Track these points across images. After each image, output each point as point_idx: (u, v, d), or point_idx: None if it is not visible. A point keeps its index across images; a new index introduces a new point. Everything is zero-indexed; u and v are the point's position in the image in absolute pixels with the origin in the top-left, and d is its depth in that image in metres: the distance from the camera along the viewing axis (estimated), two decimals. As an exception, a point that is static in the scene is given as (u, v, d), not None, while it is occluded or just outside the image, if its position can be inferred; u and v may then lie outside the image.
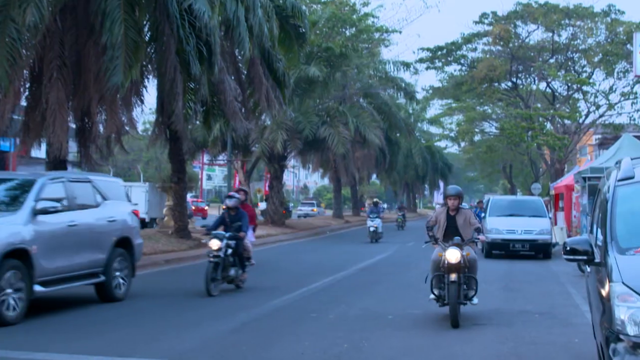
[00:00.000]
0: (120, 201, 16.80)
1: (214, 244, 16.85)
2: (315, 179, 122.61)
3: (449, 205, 13.71)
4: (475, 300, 13.48)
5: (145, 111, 54.51)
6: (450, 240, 13.29)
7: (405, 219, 56.50)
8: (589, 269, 8.77)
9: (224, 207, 18.60)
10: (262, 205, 60.95)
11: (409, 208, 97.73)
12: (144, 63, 23.95)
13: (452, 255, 12.89)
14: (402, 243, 37.06)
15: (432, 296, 13.42)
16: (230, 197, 18.12)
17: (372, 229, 38.30)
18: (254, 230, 20.02)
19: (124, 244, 16.32)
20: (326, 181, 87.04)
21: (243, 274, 17.87)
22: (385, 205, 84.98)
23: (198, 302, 15.92)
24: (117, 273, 15.84)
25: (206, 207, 68.48)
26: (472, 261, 13.29)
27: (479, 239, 13.44)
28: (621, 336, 5.98)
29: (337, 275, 21.43)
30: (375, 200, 45.64)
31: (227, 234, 17.14)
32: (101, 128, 23.48)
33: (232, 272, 17.38)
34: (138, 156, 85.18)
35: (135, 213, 17.80)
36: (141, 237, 17.85)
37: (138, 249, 17.04)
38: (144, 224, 36.63)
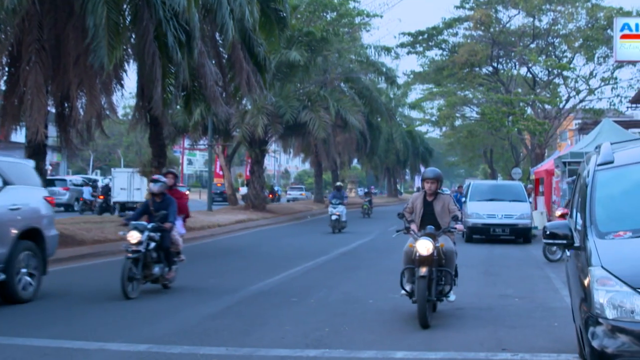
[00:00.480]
0: (30, 186, 14.53)
1: (133, 236, 14.38)
2: (296, 164, 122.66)
3: (425, 190, 12.35)
4: (451, 296, 12.12)
5: (126, 96, 54.37)
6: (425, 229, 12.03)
7: (372, 206, 50.96)
8: (568, 253, 8.80)
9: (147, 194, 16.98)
10: (243, 190, 60.95)
11: (390, 192, 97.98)
12: (125, 47, 23.82)
13: (423, 246, 11.49)
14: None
15: (402, 292, 12.05)
16: (155, 181, 15.36)
17: (334, 217, 33.49)
18: (184, 220, 17.13)
19: (32, 236, 13.95)
20: (307, 166, 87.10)
21: (170, 272, 15.14)
22: (374, 190, 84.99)
23: (178, 286, 15.88)
24: (23, 270, 13.44)
25: (187, 192, 67.92)
26: (447, 253, 11.86)
27: (455, 228, 12.05)
28: (600, 320, 6.01)
29: (318, 260, 21.45)
30: (338, 184, 38.54)
31: (150, 225, 14.64)
32: (81, 112, 23.36)
33: (156, 269, 14.73)
34: (118, 141, 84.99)
35: (49, 200, 15.26)
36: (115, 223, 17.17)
37: (51, 241, 14.69)
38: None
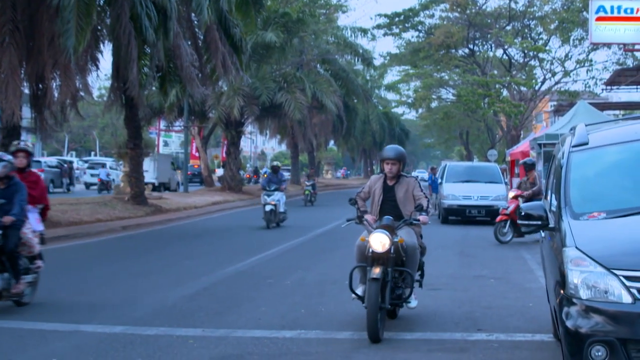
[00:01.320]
0: None
1: None
2: (272, 145, 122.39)
3: (385, 172, 10.40)
4: (412, 302, 10.23)
5: (101, 77, 54.05)
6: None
7: (315, 191, 42.74)
8: (543, 235, 8.85)
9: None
10: (220, 172, 60.79)
11: (366, 174, 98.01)
12: (99, 28, 23.69)
13: (377, 241, 9.56)
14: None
15: (353, 296, 10.13)
16: None
17: (268, 207, 25.12)
18: (42, 213, 12.82)
19: None
20: (284, 147, 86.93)
21: (18, 284, 11.12)
22: (347, 171, 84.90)
23: (153, 268, 15.86)
24: None
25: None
26: (409, 250, 9.92)
27: (418, 220, 9.99)
28: (574, 300, 6.04)
29: (294, 242, 21.46)
30: (275, 164, 27.95)
31: None
32: (56, 94, 23.21)
33: None
34: (94, 122, 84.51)
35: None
36: (97, 203, 17.29)
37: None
38: (154, 187, 43.12)
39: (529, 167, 21.85)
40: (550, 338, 9.41)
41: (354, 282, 10.06)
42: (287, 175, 31.32)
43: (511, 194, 21.90)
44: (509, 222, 21.28)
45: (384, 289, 9.46)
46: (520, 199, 21.06)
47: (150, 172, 45.80)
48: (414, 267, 10.07)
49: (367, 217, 10.27)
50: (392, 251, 9.59)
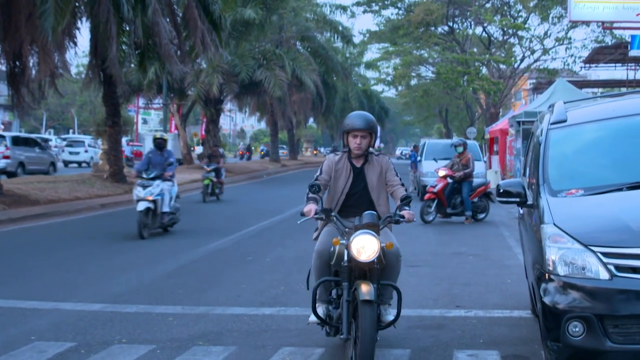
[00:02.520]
0: None
1: None
2: (252, 123, 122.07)
3: (351, 149, 7.75)
4: (390, 315, 7.49)
5: (79, 54, 53.65)
6: (353, 217, 7.42)
7: (222, 179, 29.00)
8: (521, 211, 8.89)
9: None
10: (199, 149, 60.63)
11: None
12: (77, 5, 23.49)
13: (364, 247, 6.92)
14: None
15: (312, 318, 7.56)
16: None
17: (142, 206, 17.07)
18: None
19: None
20: (263, 125, 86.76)
21: None
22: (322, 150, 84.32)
23: (132, 245, 15.84)
24: None
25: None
26: (392, 257, 7.39)
27: (403, 217, 7.34)
28: (552, 276, 6.08)
29: (274, 219, 21.47)
30: (159, 135, 19.40)
31: None
32: (34, 71, 23.05)
33: None
34: (72, 100, 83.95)
35: None
36: (75, 181, 17.26)
37: None
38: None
39: (460, 148, 21.49)
40: (528, 314, 9.48)
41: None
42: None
43: (441, 172, 21.20)
44: (435, 202, 20.83)
45: (376, 314, 6.98)
46: (449, 179, 20.72)
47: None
48: (396, 277, 7.60)
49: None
50: (375, 260, 6.99)
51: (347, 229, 7.21)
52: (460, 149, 21.40)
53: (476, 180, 21.61)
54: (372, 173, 7.78)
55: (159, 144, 18.40)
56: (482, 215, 21.45)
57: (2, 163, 36.04)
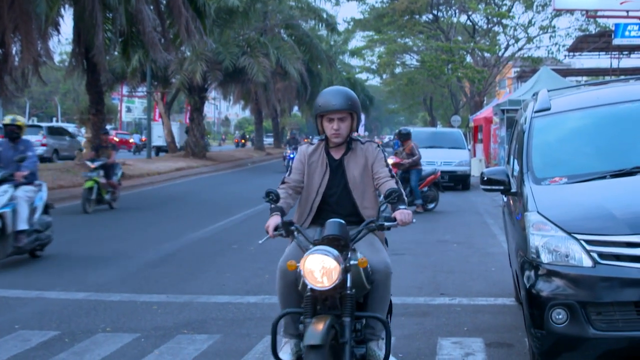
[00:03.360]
0: None
1: None
2: (236, 111, 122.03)
3: (328, 136, 6.07)
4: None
5: (62, 42, 53.40)
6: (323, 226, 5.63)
7: (115, 182, 21.48)
8: (505, 199, 8.92)
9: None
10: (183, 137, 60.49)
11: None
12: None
13: (316, 270, 5.27)
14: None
15: None
16: None
17: None
18: None
19: None
20: (247, 113, 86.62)
21: None
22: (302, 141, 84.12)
23: (117, 234, 15.81)
24: None
25: (131, 140, 66.19)
26: (378, 276, 5.76)
27: (392, 220, 5.65)
28: (535, 264, 6.10)
29: (259, 207, 21.43)
30: (11, 120, 12.92)
31: None
32: (17, 59, 22.94)
33: None
34: (55, 88, 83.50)
35: None
36: (59, 169, 17.13)
37: None
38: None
39: (404, 137, 21.10)
40: (512, 302, 9.51)
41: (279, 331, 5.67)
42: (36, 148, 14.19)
43: (389, 161, 21.17)
44: None
45: (337, 355, 5.27)
46: (400, 167, 20.31)
47: (176, 137, 53.91)
48: (386, 304, 5.93)
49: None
50: (347, 284, 5.33)
51: (305, 244, 5.62)
52: (404, 137, 21.05)
53: (425, 169, 21.43)
54: (354, 166, 6.02)
55: (11, 132, 12.79)
56: (432, 205, 21.01)
57: (40, 150, 38.19)
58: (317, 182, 6.09)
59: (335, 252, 5.24)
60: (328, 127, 5.97)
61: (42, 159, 35.31)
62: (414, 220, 5.65)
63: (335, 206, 6.07)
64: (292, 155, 29.87)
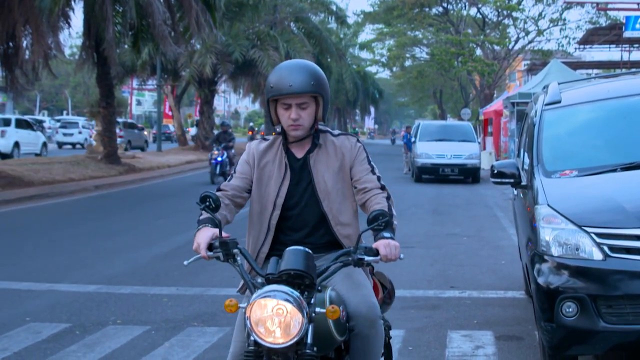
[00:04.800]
0: None
1: None
2: (246, 104, 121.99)
3: (284, 128, 4.44)
4: None
5: (72, 35, 53.53)
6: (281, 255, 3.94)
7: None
8: (515, 192, 8.91)
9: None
10: (193, 131, 60.53)
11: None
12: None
13: (269, 319, 3.64)
14: None
15: None
16: None
17: None
18: None
19: None
20: (257, 106, 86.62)
21: None
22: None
23: (127, 227, 15.84)
24: None
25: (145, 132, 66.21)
26: (361, 326, 4.10)
27: (374, 254, 3.95)
28: (546, 257, 6.08)
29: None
30: None
31: None
32: (27, 52, 23.01)
33: None
34: (65, 81, 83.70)
35: None
36: (70, 162, 17.24)
37: None
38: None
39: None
40: (522, 295, 9.51)
41: None
42: None
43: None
44: None
45: None
46: None
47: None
48: None
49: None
50: (307, 341, 3.70)
51: (256, 284, 4.05)
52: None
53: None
54: (323, 167, 4.42)
55: None
56: None
57: (118, 141, 41.75)
58: (273, 190, 4.44)
59: (296, 293, 3.66)
60: (284, 115, 4.37)
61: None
62: (402, 256, 4.06)
63: (299, 223, 4.45)
64: (220, 159, 25.48)
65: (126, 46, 31.21)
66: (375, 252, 3.97)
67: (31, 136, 40.08)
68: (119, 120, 46.79)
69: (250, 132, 71.56)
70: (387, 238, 3.99)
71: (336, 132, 4.57)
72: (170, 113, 56.84)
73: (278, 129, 4.52)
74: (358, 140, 4.52)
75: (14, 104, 70.90)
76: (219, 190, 4.51)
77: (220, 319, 8.42)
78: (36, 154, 38.25)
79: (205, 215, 4.30)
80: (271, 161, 4.47)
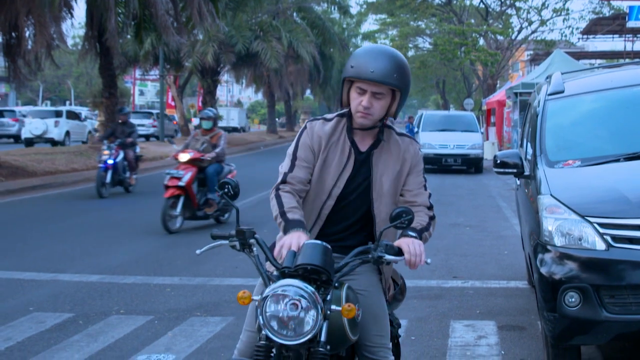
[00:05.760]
0: None
1: None
2: (249, 94, 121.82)
3: (354, 114, 4.09)
4: None
5: (75, 25, 53.49)
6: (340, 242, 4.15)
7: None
8: (518, 182, 8.91)
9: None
10: (196, 121, 60.47)
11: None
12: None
13: (282, 308, 3.56)
14: None
15: None
16: None
17: None
18: None
19: None
20: (260, 96, 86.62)
21: None
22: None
23: (130, 217, 15.85)
24: None
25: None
26: (367, 325, 4.01)
27: (400, 255, 3.85)
28: (548, 247, 6.08)
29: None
30: None
31: None
32: (30, 42, 23.01)
33: None
34: (68, 71, 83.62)
35: None
36: (72, 152, 17.24)
37: None
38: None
39: (209, 123, 15.29)
40: (524, 285, 9.52)
41: None
42: None
43: (183, 157, 14.61)
44: (182, 200, 14.19)
45: None
46: (199, 164, 14.76)
47: (235, 120, 69.47)
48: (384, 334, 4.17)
49: (294, 237, 3.94)
50: (320, 338, 3.59)
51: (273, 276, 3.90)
52: (210, 124, 15.29)
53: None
54: (383, 167, 4.18)
55: None
56: (226, 216, 15.52)
57: (152, 130, 51.10)
58: (332, 178, 4.16)
59: (311, 289, 3.54)
60: (356, 100, 4.04)
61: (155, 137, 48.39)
62: (429, 261, 3.95)
63: (339, 216, 4.21)
64: (112, 161, 19.27)
65: (129, 36, 31.17)
66: (397, 251, 3.83)
67: (79, 126, 44.95)
68: (152, 111, 53.48)
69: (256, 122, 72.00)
70: (411, 236, 3.91)
71: (399, 130, 4.32)
72: (173, 103, 56.80)
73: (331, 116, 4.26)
74: (419, 149, 4.34)
75: (16, 94, 70.97)
76: (284, 182, 4.31)
77: (224, 309, 8.44)
78: (83, 142, 41.77)
79: (294, 214, 4.08)
80: (334, 146, 4.16)
